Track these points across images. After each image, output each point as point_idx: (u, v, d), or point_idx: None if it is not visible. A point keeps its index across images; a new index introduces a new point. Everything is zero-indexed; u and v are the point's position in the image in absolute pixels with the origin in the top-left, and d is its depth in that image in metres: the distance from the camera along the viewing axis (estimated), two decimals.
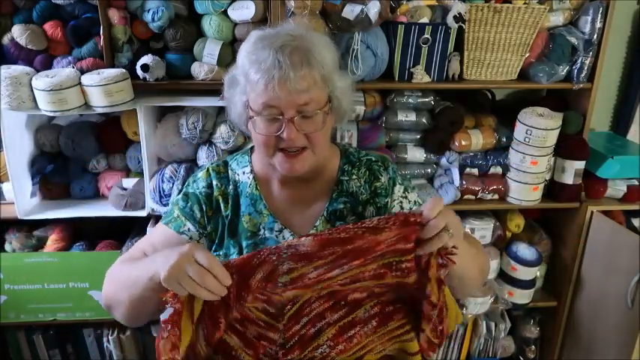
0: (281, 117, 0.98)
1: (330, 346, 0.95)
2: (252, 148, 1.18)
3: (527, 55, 1.73)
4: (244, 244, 1.07)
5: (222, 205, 1.10)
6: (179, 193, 1.16)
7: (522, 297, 1.96)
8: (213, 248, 1.10)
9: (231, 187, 1.12)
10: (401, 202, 1.15)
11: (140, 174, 1.70)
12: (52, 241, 1.75)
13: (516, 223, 1.97)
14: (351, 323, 0.96)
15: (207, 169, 1.14)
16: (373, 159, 1.16)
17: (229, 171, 1.14)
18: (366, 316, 0.97)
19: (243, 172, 1.13)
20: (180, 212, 1.10)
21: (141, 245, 1.14)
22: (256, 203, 1.10)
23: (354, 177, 1.13)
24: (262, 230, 1.08)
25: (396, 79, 1.70)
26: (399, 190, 1.15)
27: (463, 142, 1.80)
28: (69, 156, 1.72)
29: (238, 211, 1.10)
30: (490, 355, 2.08)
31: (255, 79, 0.97)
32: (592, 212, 1.86)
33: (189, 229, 1.09)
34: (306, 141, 1.01)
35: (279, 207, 1.11)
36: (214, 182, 1.12)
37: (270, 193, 1.12)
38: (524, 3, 1.65)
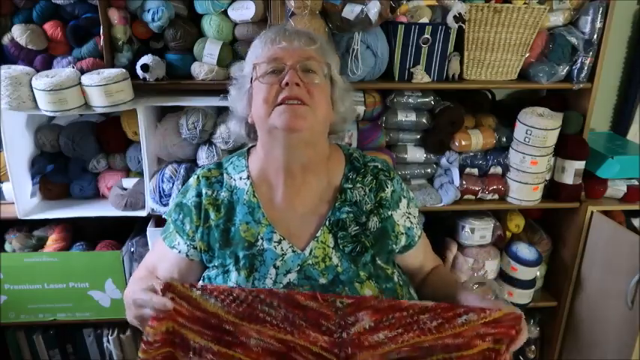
0: (285, 66, 1.00)
1: None
2: (249, 151, 1.16)
3: (527, 55, 1.73)
4: (241, 254, 1.04)
5: (211, 214, 1.07)
6: (177, 197, 1.15)
7: (522, 297, 1.96)
8: (206, 259, 1.09)
9: (224, 192, 1.09)
10: (408, 217, 1.15)
11: (140, 174, 1.70)
12: (52, 241, 1.75)
13: (516, 223, 1.97)
14: None
15: (198, 177, 1.12)
16: (379, 166, 1.14)
17: (224, 175, 1.11)
18: None
19: (240, 178, 1.10)
20: (173, 225, 1.10)
21: (149, 257, 1.18)
22: (254, 212, 1.06)
23: (359, 185, 1.10)
24: (260, 241, 1.04)
25: (396, 79, 1.70)
26: (404, 205, 1.14)
27: (463, 142, 1.80)
28: (69, 156, 1.72)
29: (233, 219, 1.07)
30: None
31: (262, 44, 1.04)
32: (592, 212, 1.86)
33: (179, 242, 1.09)
34: (307, 95, 0.99)
35: (278, 215, 1.07)
36: (204, 190, 1.09)
37: (269, 200, 1.08)
38: (524, 3, 1.65)
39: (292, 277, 1.02)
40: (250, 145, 1.17)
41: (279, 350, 0.91)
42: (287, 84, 0.98)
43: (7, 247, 1.76)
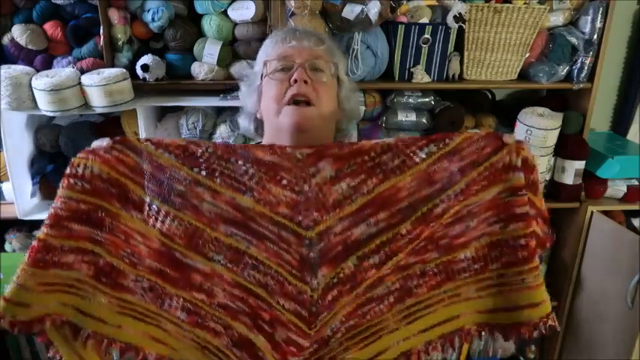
0: (294, 64, 1.02)
1: (341, 322, 0.88)
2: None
3: (527, 55, 1.73)
4: None
5: None
6: None
7: None
8: None
9: None
10: None
11: None
12: None
13: None
14: (368, 300, 0.89)
15: None
16: None
17: None
18: (385, 292, 0.89)
19: None
20: None
21: None
22: None
23: None
24: None
25: (396, 79, 1.70)
26: None
27: None
28: (69, 156, 1.71)
29: None
30: (490, 355, 2.08)
31: (273, 43, 1.07)
32: (592, 212, 1.86)
33: None
34: (314, 94, 1.01)
35: None
36: None
37: None
38: (524, 3, 1.65)
39: None
40: (257, 142, 1.19)
41: (235, 218, 0.85)
42: (295, 81, 1.00)
43: (7, 247, 1.76)
